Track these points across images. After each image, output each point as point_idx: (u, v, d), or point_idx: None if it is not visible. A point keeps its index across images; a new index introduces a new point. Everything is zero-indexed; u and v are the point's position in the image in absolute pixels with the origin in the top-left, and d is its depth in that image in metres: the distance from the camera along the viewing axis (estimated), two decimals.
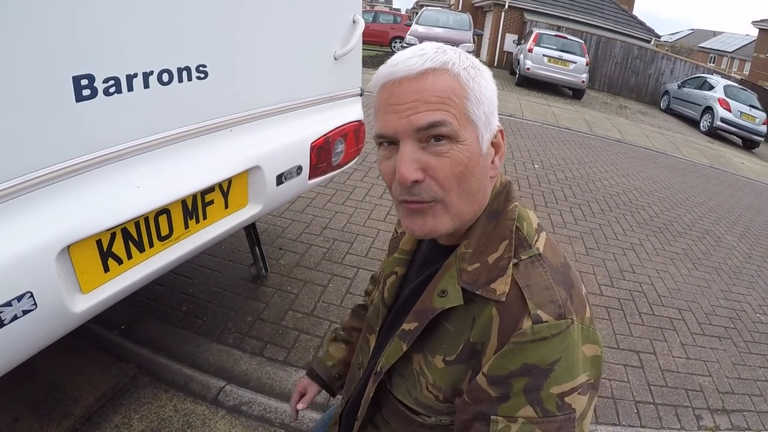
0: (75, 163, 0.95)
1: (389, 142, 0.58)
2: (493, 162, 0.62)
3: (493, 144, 0.61)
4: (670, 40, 46.04)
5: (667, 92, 13.52)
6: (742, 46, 37.06)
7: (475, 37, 11.60)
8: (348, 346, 0.99)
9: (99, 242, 1.06)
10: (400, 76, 0.55)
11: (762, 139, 11.03)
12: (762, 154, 11.05)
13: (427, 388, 0.63)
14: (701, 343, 2.70)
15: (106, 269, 1.10)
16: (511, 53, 14.58)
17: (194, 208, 1.33)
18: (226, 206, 1.45)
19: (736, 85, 12.15)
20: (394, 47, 15.17)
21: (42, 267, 0.91)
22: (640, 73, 14.69)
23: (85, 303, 1.05)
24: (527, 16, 15.12)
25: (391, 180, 0.59)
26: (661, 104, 13.72)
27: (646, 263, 3.53)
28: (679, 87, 12.75)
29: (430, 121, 0.54)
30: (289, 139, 1.59)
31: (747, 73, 28.40)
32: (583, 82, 10.85)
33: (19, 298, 0.87)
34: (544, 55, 10.70)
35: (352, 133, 1.91)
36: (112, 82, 0.98)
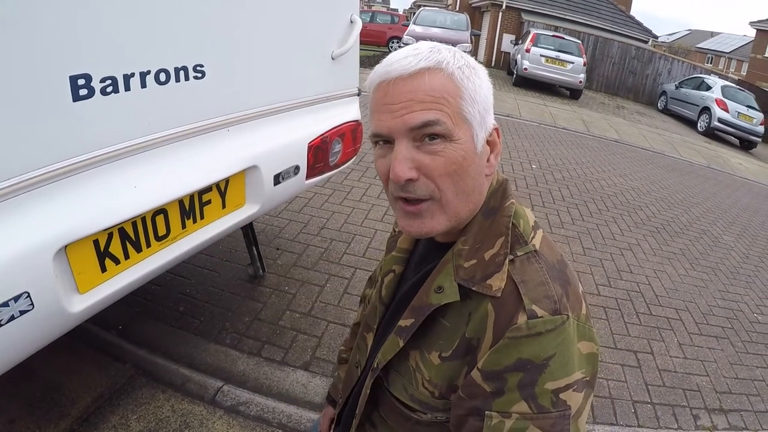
0: (72, 162, 0.95)
1: (384, 141, 0.59)
2: (488, 160, 0.62)
3: (488, 142, 0.61)
4: (667, 41, 46.20)
5: (664, 92, 13.56)
6: (740, 47, 37.20)
7: (473, 37, 11.63)
8: None
9: (96, 242, 1.06)
10: (394, 75, 0.56)
11: (759, 139, 11.07)
12: (759, 154, 11.09)
13: (423, 384, 0.63)
14: (698, 343, 2.70)
15: (104, 269, 1.10)
16: (509, 53, 14.62)
17: (191, 207, 1.33)
18: (224, 206, 1.45)
19: (734, 85, 12.18)
20: (392, 47, 15.18)
21: (39, 267, 0.91)
22: (637, 74, 14.73)
23: (82, 303, 1.04)
24: (524, 17, 15.15)
25: (386, 178, 0.59)
26: (659, 104, 13.76)
27: (644, 263, 3.53)
28: (677, 87, 12.79)
29: (424, 120, 0.54)
30: (287, 139, 1.59)
31: (744, 73, 28.50)
32: (580, 82, 10.89)
33: (16, 299, 0.87)
34: (541, 56, 10.73)
35: (349, 133, 1.91)
36: (109, 81, 0.98)
